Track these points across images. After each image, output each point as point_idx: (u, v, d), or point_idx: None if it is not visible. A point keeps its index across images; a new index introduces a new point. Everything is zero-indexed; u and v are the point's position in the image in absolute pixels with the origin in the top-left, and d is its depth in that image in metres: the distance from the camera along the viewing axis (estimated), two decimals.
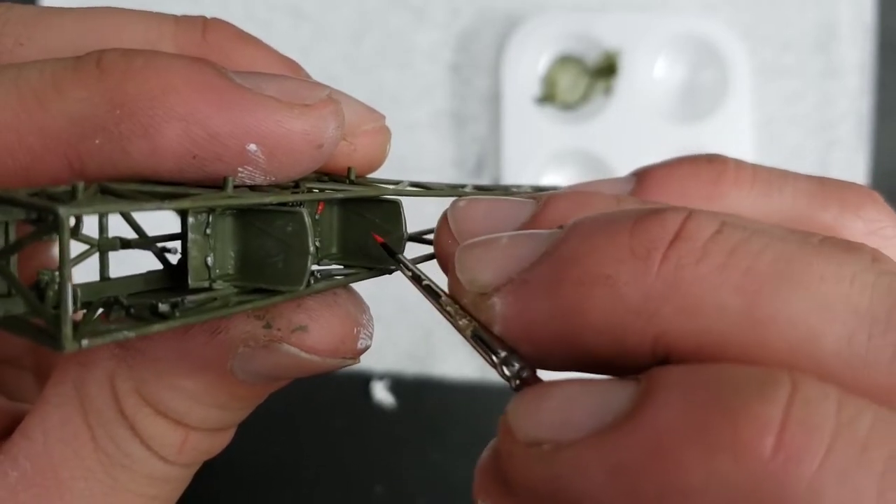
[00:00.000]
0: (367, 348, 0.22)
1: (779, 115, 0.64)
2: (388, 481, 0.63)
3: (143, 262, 0.22)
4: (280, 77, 0.21)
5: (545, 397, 0.17)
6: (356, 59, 0.66)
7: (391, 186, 0.24)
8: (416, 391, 0.64)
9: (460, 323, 0.19)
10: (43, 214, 0.17)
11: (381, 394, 0.64)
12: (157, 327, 0.18)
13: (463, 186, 0.26)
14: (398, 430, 0.63)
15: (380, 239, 0.22)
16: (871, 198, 0.22)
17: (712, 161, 0.23)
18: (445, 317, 0.19)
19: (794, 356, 0.16)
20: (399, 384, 0.64)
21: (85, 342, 0.16)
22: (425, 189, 0.25)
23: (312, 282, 0.21)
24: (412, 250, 0.24)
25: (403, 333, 0.63)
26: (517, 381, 0.18)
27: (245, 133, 0.20)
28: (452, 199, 0.22)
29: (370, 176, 0.25)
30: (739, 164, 0.23)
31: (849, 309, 0.16)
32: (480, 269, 0.19)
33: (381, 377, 0.64)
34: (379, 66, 0.66)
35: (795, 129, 0.64)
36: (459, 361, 0.63)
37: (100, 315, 0.18)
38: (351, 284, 0.22)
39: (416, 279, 0.21)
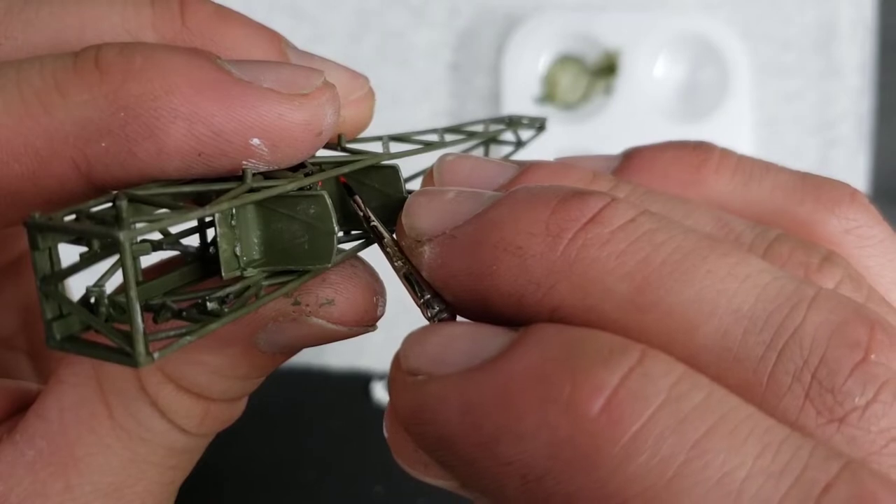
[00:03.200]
0: (382, 315, 0.23)
1: (779, 115, 0.64)
2: (388, 481, 0.62)
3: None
4: (276, 65, 0.21)
5: (433, 334, 0.18)
6: (356, 59, 0.65)
7: (380, 147, 0.24)
8: None
9: (396, 263, 0.21)
10: (96, 239, 0.17)
11: (381, 394, 0.64)
12: (213, 326, 0.18)
13: (434, 131, 0.27)
14: None
15: (343, 179, 0.23)
16: (850, 196, 0.23)
17: (698, 147, 0.23)
18: (385, 256, 0.21)
19: (668, 343, 0.17)
20: None
21: (156, 355, 0.17)
22: (420, 147, 0.26)
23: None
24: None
25: (404, 333, 0.63)
26: (435, 322, 0.20)
27: (248, 129, 0.20)
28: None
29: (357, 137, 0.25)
30: (725, 153, 0.23)
31: (731, 306, 0.17)
32: (421, 218, 0.20)
33: (381, 377, 0.64)
34: (378, 65, 0.65)
35: (795, 129, 0.64)
36: None
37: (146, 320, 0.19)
38: (362, 255, 0.23)
39: (366, 219, 0.22)
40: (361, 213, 0.22)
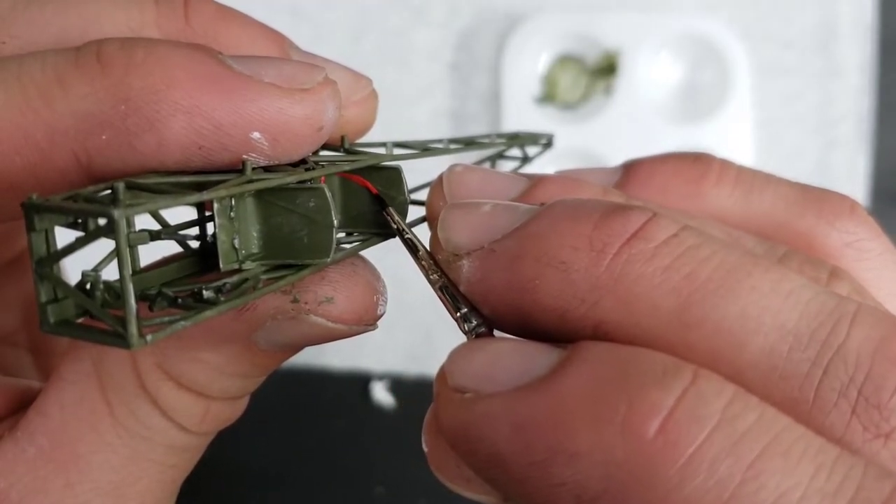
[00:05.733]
0: (383, 314, 0.22)
1: (779, 115, 0.64)
2: (388, 482, 0.62)
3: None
4: (277, 60, 0.21)
5: (479, 351, 0.18)
6: (356, 59, 0.65)
7: (383, 152, 0.24)
8: (416, 391, 0.63)
9: (432, 277, 0.20)
10: (92, 219, 0.17)
11: (381, 394, 0.64)
12: (208, 313, 0.18)
13: (439, 141, 0.27)
14: (398, 430, 0.63)
15: (374, 189, 0.23)
16: (850, 209, 0.23)
17: (697, 160, 0.24)
18: (420, 269, 0.21)
19: (714, 360, 0.17)
20: (399, 384, 0.64)
21: (149, 338, 0.17)
22: (422, 151, 0.26)
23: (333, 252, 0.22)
24: (413, 217, 0.24)
25: (404, 334, 0.63)
26: (473, 336, 0.20)
27: (248, 122, 0.20)
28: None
29: (360, 140, 0.25)
30: (724, 165, 0.23)
31: (776, 323, 0.17)
32: (458, 232, 0.20)
33: (381, 377, 0.64)
34: (378, 65, 0.65)
35: (796, 129, 0.64)
36: None
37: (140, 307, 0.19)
38: (362, 253, 0.23)
39: (400, 232, 0.22)
40: (395, 226, 0.22)
